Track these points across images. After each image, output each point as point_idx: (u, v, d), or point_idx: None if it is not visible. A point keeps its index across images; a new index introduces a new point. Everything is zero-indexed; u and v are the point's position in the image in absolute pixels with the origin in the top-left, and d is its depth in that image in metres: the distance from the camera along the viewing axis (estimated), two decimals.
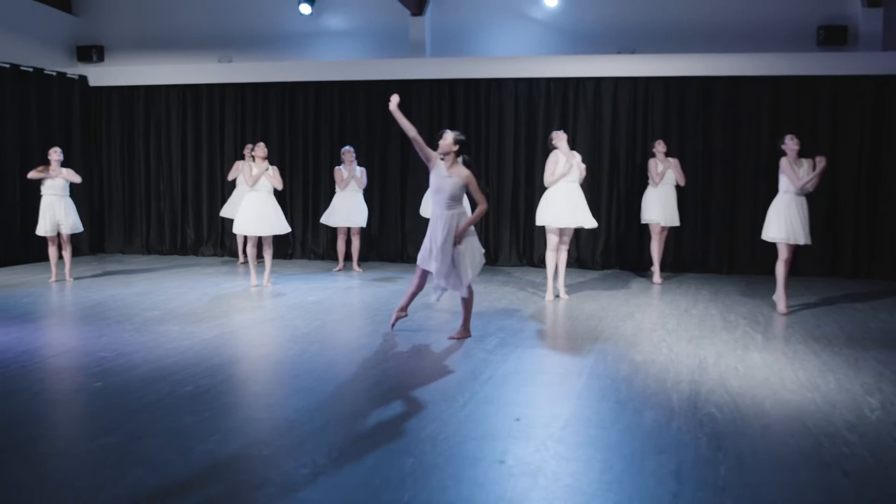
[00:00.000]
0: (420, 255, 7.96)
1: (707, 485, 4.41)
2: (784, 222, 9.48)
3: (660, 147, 11.88)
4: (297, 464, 4.62)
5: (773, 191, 12.41)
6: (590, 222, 10.36)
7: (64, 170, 11.66)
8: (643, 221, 12.23)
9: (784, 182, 9.56)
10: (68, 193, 11.70)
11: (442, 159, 7.84)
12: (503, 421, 5.45)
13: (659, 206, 11.82)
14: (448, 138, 7.84)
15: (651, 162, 11.93)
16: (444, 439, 5.02)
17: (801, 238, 9.50)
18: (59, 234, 11.64)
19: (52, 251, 11.67)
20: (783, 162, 9.55)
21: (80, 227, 11.85)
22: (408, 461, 4.65)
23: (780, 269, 9.64)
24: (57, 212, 11.50)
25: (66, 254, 11.79)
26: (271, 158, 14.64)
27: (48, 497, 4.22)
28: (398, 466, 4.57)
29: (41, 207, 11.59)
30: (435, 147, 7.99)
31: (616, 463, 4.71)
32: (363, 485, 4.33)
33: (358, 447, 4.89)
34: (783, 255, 9.58)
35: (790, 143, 9.55)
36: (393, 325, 8.31)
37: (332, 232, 14.12)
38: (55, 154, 11.60)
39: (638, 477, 4.50)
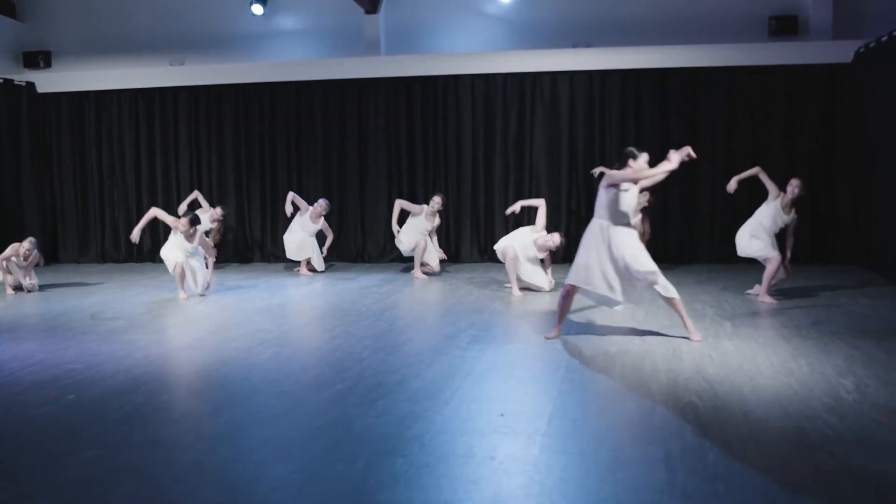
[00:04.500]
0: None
1: (698, 472, 4.44)
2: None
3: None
4: (289, 469, 4.56)
5: (728, 180, 12.59)
6: None
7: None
8: None
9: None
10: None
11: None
12: (488, 417, 5.44)
13: None
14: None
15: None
16: (432, 438, 5.00)
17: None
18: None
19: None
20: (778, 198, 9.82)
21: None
22: (398, 461, 4.62)
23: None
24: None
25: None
26: (227, 161, 14.56)
27: None
28: (389, 467, 4.54)
29: None
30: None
31: (606, 454, 4.72)
32: (358, 487, 4.29)
33: (347, 450, 4.85)
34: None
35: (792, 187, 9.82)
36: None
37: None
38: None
39: (629, 467, 4.52)
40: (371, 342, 7.79)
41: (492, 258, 13.95)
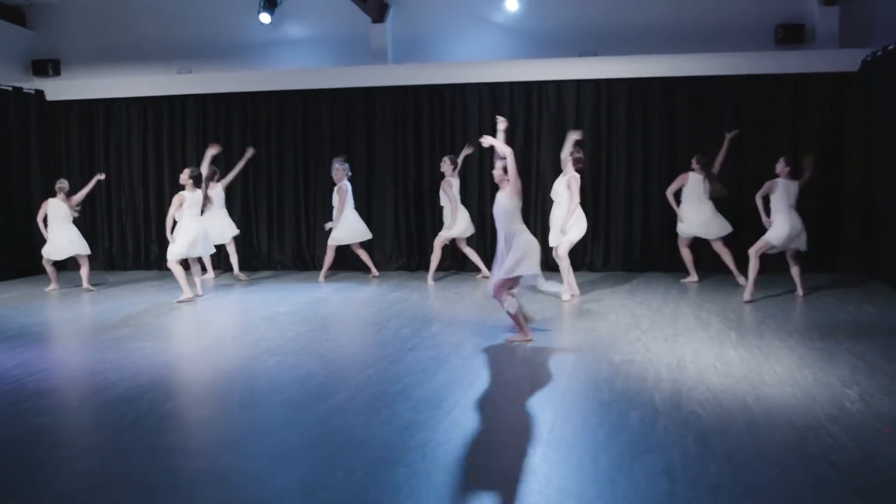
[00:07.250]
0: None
1: (699, 483, 4.43)
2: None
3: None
4: (289, 478, 4.57)
5: (734, 188, 12.47)
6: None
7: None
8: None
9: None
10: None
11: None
12: (490, 426, 5.45)
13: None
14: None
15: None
16: (434, 447, 5.00)
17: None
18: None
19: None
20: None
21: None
22: (400, 471, 4.63)
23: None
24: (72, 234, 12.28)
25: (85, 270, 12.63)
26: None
27: None
28: (391, 476, 4.55)
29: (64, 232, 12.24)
30: None
31: (606, 464, 4.72)
32: (358, 497, 4.30)
33: (348, 458, 4.86)
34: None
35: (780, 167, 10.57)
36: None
37: (297, 241, 14.17)
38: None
39: (629, 477, 4.52)
40: (376, 351, 7.81)
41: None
